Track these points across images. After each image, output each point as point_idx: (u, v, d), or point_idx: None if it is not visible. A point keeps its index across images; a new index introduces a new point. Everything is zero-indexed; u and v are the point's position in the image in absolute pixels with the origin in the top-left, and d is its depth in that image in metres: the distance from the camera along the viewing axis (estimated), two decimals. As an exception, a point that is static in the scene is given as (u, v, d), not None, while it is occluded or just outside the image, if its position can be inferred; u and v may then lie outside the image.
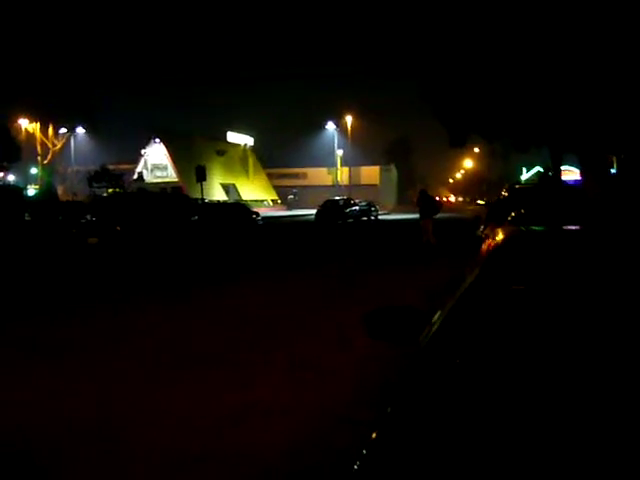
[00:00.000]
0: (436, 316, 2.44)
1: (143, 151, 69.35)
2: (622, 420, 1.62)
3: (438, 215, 21.81)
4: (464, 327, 2.21)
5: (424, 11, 21.92)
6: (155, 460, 4.32)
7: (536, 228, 3.84)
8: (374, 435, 1.75)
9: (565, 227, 3.83)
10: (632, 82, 18.19)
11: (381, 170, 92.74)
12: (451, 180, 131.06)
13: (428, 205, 21.15)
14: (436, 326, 2.29)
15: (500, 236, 3.51)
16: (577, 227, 4.08)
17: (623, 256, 2.74)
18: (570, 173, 42.36)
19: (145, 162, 69.69)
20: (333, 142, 78.38)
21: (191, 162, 48.27)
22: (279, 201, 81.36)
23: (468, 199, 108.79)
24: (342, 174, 78.78)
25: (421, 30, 22.80)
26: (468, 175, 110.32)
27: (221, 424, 4.96)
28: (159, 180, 65.83)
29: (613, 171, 25.90)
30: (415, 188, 24.16)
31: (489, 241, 3.51)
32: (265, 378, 6.15)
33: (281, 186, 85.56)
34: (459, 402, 1.79)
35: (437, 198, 32.56)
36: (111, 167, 52.80)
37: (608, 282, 2.39)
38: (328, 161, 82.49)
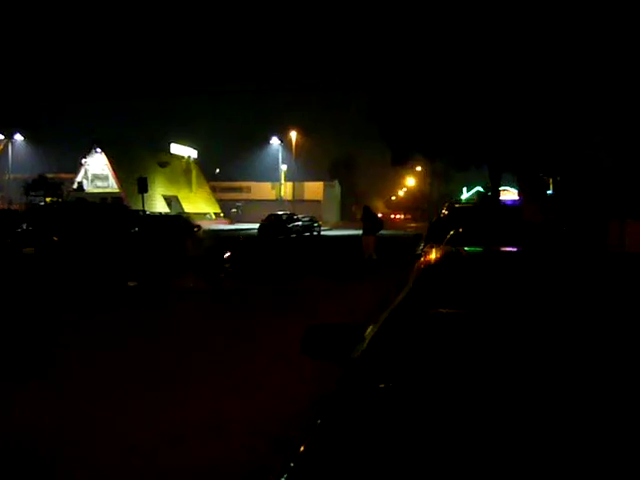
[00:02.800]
0: (368, 331, 2.45)
1: (84, 160, 67.88)
2: (542, 447, 1.65)
3: (381, 232, 22.05)
4: (389, 348, 2.22)
5: (370, 33, 22.21)
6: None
7: (468, 249, 3.89)
8: (302, 448, 1.76)
9: (498, 248, 3.89)
10: (567, 106, 18.77)
11: (325, 186, 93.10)
12: (393, 197, 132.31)
13: (371, 221, 21.39)
14: (365, 344, 2.30)
15: (433, 256, 3.55)
16: (510, 248, 4.14)
17: (556, 279, 2.78)
18: (508, 193, 43.33)
19: (85, 172, 68.24)
20: (277, 157, 78.47)
21: (133, 173, 47.59)
22: (222, 214, 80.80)
23: (410, 216, 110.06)
24: (286, 189, 78.89)
25: (367, 51, 23.09)
26: (410, 193, 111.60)
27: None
28: (99, 190, 64.63)
29: (550, 192, 26.57)
30: (358, 205, 24.44)
31: (422, 260, 3.54)
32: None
33: (225, 200, 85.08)
34: (382, 421, 1.82)
35: (380, 215, 32.82)
36: (50, 176, 51.68)
37: (537, 304, 2.42)
38: (272, 176, 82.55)
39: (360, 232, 22.10)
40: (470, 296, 2.55)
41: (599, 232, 19.56)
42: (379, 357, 2.19)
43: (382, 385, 2.02)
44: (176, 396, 6.07)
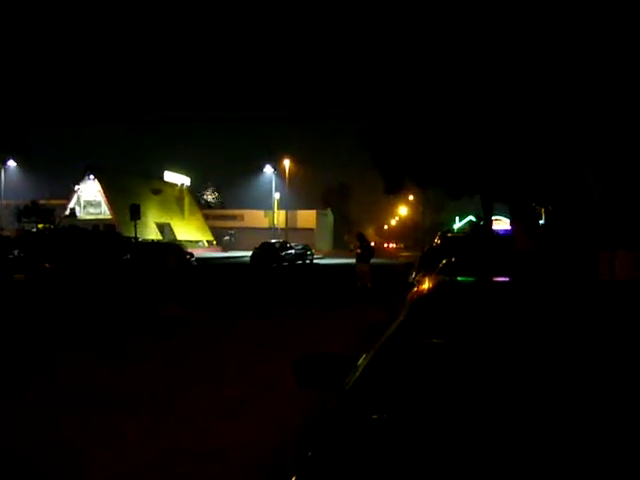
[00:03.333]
0: (360, 360, 2.44)
1: (77, 187, 67.87)
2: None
3: (372, 261, 22.09)
4: (381, 378, 2.21)
5: (363, 63, 22.42)
6: None
7: (462, 279, 3.89)
8: (293, 479, 1.76)
9: (491, 278, 3.90)
10: (559, 138, 18.93)
11: (317, 214, 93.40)
12: (386, 226, 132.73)
13: (365, 249, 21.48)
14: (357, 373, 2.29)
15: (425, 285, 3.55)
16: (503, 278, 4.16)
17: (548, 310, 2.79)
18: (501, 222, 43.51)
19: (78, 198, 68.21)
20: (271, 185, 78.77)
21: (126, 200, 47.65)
22: (215, 242, 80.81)
23: (402, 245, 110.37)
24: (279, 217, 79.05)
25: (360, 80, 23.30)
26: (403, 222, 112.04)
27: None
28: (92, 217, 64.61)
29: (541, 222, 26.69)
30: (351, 234, 24.55)
31: (415, 290, 3.54)
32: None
33: (217, 227, 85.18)
34: (373, 454, 1.80)
35: (372, 243, 32.85)
36: (42, 202, 51.63)
37: (530, 336, 2.42)
38: (265, 204, 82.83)
39: (353, 261, 22.12)
40: (463, 327, 2.55)
41: (590, 262, 19.62)
42: (371, 387, 2.18)
43: (374, 416, 2.00)
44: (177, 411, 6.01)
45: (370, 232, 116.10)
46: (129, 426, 5.92)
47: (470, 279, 4.05)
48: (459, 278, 3.87)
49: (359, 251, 21.53)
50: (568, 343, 2.34)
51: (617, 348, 2.27)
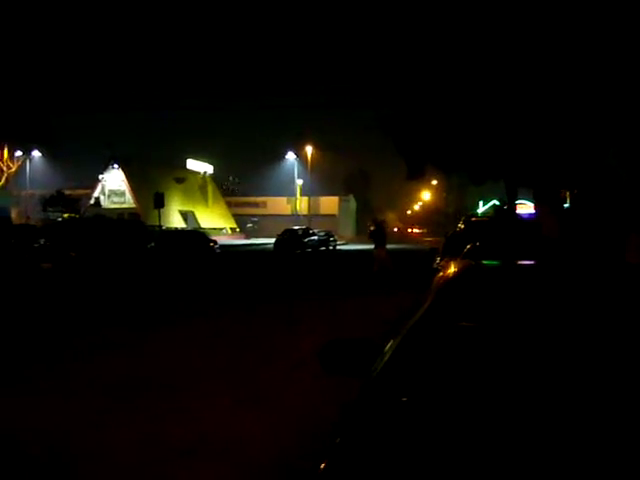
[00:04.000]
0: (387, 346, 2.41)
1: (101, 176, 68.29)
2: (569, 462, 1.63)
3: (398, 246, 22.09)
4: (411, 362, 2.19)
5: (386, 48, 22.25)
6: None
7: (488, 263, 3.85)
8: (323, 465, 1.74)
9: (518, 262, 3.85)
10: (584, 119, 18.67)
11: (340, 201, 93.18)
12: (409, 212, 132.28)
13: (380, 234, 21.44)
14: (385, 358, 2.27)
15: (452, 270, 3.51)
16: (529, 262, 4.11)
17: (575, 293, 2.75)
18: (525, 207, 43.13)
19: (103, 188, 68.67)
20: (293, 172, 78.71)
21: (150, 189, 47.88)
22: (238, 229, 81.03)
23: (426, 230, 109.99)
24: (301, 204, 78.98)
25: (383, 65, 23.14)
26: (426, 207, 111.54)
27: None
28: (116, 206, 65.03)
29: (566, 205, 26.41)
30: (375, 218, 24.47)
31: (441, 274, 3.51)
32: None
33: (241, 214, 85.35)
34: (404, 437, 1.79)
35: (395, 229, 32.69)
36: (67, 192, 52.11)
37: (559, 319, 2.39)
38: (288, 190, 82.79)
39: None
40: (491, 310, 2.53)
41: (617, 245, 19.39)
42: (400, 371, 2.16)
43: (404, 399, 1.98)
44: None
45: (392, 217, 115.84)
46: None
47: (496, 263, 4.00)
48: (485, 262, 3.82)
49: (370, 232, 21.66)
50: (593, 327, 2.30)
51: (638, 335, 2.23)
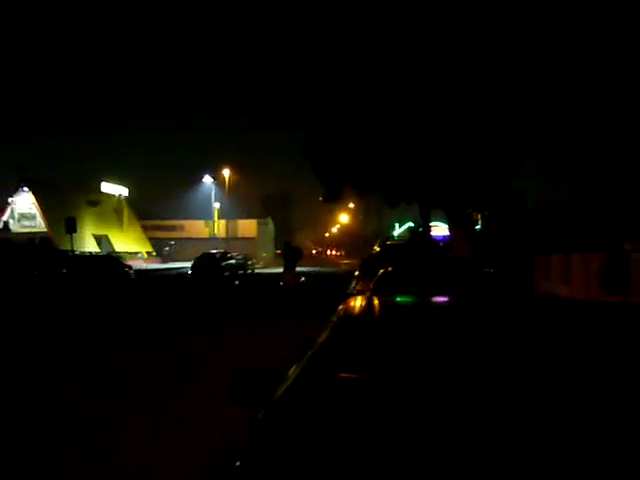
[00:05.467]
0: (290, 371, 2.41)
1: (10, 199, 66.02)
2: None
3: (314, 268, 22.21)
4: (293, 409, 2.17)
5: (304, 73, 22.51)
6: None
7: (398, 298, 3.84)
8: None
9: (425, 298, 3.82)
10: (492, 144, 19.37)
11: (258, 223, 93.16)
12: (327, 234, 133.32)
13: (291, 257, 21.49)
14: (276, 396, 2.27)
15: (349, 307, 3.47)
16: (437, 299, 4.04)
17: (477, 333, 2.74)
18: (439, 228, 44.18)
19: (12, 211, 66.37)
20: (210, 195, 78.22)
21: (62, 212, 46.55)
22: (154, 253, 79.71)
23: (343, 253, 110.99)
24: (219, 227, 78.51)
25: (302, 89, 23.40)
26: (344, 229, 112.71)
27: None
28: (27, 230, 62.83)
29: (478, 227, 27.22)
30: (287, 241, 24.43)
31: (339, 311, 3.42)
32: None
33: (158, 238, 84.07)
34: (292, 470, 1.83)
35: (314, 252, 32.71)
36: (-26, 216, 50.11)
37: (455, 362, 2.36)
38: (205, 214, 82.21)
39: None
40: (382, 357, 2.45)
41: (526, 266, 20.12)
42: (284, 420, 2.13)
43: (285, 452, 1.98)
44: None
45: (309, 240, 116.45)
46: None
47: (405, 299, 3.99)
48: (396, 298, 3.82)
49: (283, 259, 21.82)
50: (498, 363, 2.30)
51: (554, 370, 2.25)
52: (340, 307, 3.56)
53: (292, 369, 2.52)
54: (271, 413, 2.20)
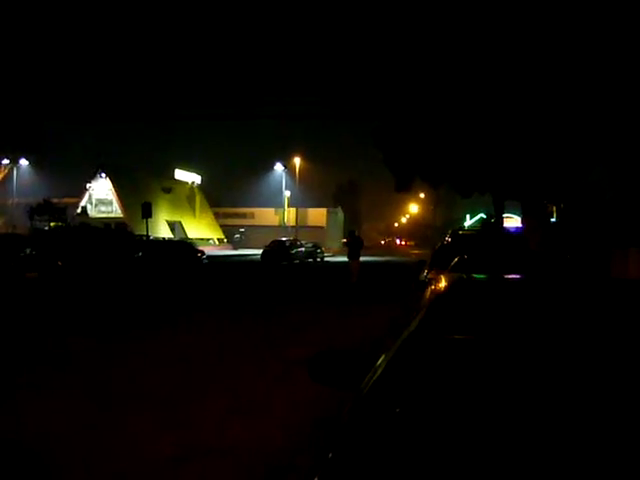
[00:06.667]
0: (379, 361, 2.43)
1: (88, 185, 67.98)
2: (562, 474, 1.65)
3: (383, 258, 22.33)
4: (404, 375, 2.21)
5: (376, 63, 22.43)
6: None
7: (478, 276, 3.88)
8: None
9: (507, 276, 3.89)
10: (571, 135, 18.86)
11: (328, 212, 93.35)
12: (396, 224, 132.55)
13: (356, 246, 21.72)
14: (378, 372, 2.29)
15: (442, 283, 3.54)
16: (518, 276, 4.15)
17: (563, 306, 2.80)
18: (512, 220, 43.37)
19: (90, 196, 68.38)
20: (281, 183, 78.82)
21: (137, 198, 47.81)
22: (225, 240, 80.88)
23: (413, 243, 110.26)
24: (289, 215, 78.99)
25: (373, 79, 23.32)
26: (413, 219, 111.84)
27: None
28: (103, 215, 64.78)
29: (553, 220, 26.61)
30: (352, 231, 24.82)
31: (432, 287, 3.54)
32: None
33: (228, 225, 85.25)
34: (397, 451, 1.79)
35: (383, 242, 32.71)
36: (54, 201, 51.80)
37: (548, 332, 2.43)
38: (275, 202, 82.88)
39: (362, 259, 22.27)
40: (483, 323, 2.58)
41: (602, 260, 19.57)
42: (394, 384, 2.18)
43: (397, 410, 2.00)
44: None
45: (377, 230, 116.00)
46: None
47: (485, 276, 4.04)
48: (474, 275, 3.86)
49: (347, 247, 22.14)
50: (580, 341, 2.34)
51: (626, 347, 2.27)
52: (431, 287, 3.65)
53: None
54: (386, 372, 2.27)
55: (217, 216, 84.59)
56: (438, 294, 3.25)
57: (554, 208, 26.49)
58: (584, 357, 2.22)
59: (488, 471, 1.66)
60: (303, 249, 46.08)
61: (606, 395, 1.98)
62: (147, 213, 31.18)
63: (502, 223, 29.50)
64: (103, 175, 67.21)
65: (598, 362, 2.18)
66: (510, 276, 4.12)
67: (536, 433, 1.81)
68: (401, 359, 2.32)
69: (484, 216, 45.68)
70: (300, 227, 73.10)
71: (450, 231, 16.27)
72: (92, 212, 67.10)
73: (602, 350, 2.25)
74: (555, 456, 1.70)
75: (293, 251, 43.97)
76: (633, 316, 2.57)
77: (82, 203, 67.66)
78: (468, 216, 66.03)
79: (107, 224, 48.22)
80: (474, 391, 2.07)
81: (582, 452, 1.71)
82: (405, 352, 2.37)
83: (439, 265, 10.33)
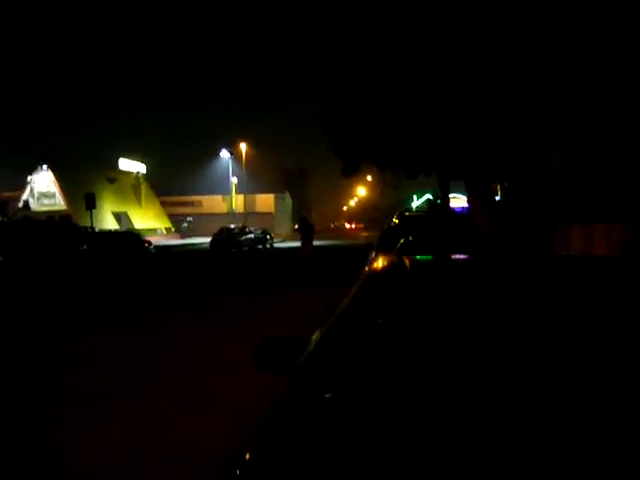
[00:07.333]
0: (313, 336, 2.45)
1: (29, 178, 66.42)
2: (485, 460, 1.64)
3: (333, 242, 22.73)
4: (332, 359, 2.22)
5: (321, 46, 22.37)
6: None
7: (420, 257, 3.88)
8: (247, 456, 1.78)
9: (446, 256, 3.90)
10: (513, 112, 19.14)
11: (276, 198, 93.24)
12: (345, 208, 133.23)
13: (308, 232, 22.26)
14: (309, 350, 2.30)
15: (378, 264, 3.54)
16: (463, 256, 4.17)
17: (502, 283, 2.81)
18: (458, 200, 43.91)
19: (32, 190, 66.81)
20: (228, 170, 78.23)
21: (81, 190, 46.77)
22: (173, 229, 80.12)
23: (362, 226, 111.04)
24: (237, 202, 78.60)
25: (318, 63, 23.28)
26: (362, 203, 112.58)
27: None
28: (47, 208, 63.28)
29: (498, 198, 27.02)
30: (303, 216, 25.48)
31: (368, 268, 3.54)
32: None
33: (176, 214, 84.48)
34: (326, 433, 1.81)
35: (333, 225, 32.98)
36: (-6, 195, 50.50)
37: (481, 310, 2.42)
38: (223, 189, 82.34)
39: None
40: (416, 305, 2.55)
41: (546, 237, 19.96)
42: (322, 366, 2.19)
43: (327, 395, 2.00)
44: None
45: (328, 214, 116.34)
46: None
47: (426, 257, 4.05)
48: (416, 256, 3.86)
49: (299, 233, 23.47)
50: (525, 321, 2.34)
51: (573, 324, 2.27)
52: (366, 268, 3.66)
53: (315, 334, 2.55)
54: (317, 350, 2.30)
55: (164, 205, 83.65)
56: (372, 274, 3.25)
57: (498, 187, 26.91)
58: (519, 334, 2.22)
59: (414, 456, 1.65)
60: (252, 235, 45.87)
61: (546, 372, 1.98)
62: (91, 204, 30.62)
63: (448, 203, 29.85)
64: (45, 167, 65.67)
65: (538, 345, 2.18)
66: (454, 256, 4.14)
67: (464, 417, 1.81)
68: (329, 341, 2.34)
69: (430, 197, 46.20)
70: (249, 214, 72.80)
71: (397, 213, 16.37)
72: (35, 205, 65.54)
73: (544, 332, 2.25)
74: (482, 439, 1.69)
75: (242, 238, 43.75)
76: (574, 292, 2.59)
77: (24, 197, 66.05)
78: (415, 197, 66.64)
79: (51, 217, 47.14)
80: (396, 375, 2.07)
81: (513, 435, 1.71)
82: (331, 336, 2.38)
83: (386, 247, 10.34)
